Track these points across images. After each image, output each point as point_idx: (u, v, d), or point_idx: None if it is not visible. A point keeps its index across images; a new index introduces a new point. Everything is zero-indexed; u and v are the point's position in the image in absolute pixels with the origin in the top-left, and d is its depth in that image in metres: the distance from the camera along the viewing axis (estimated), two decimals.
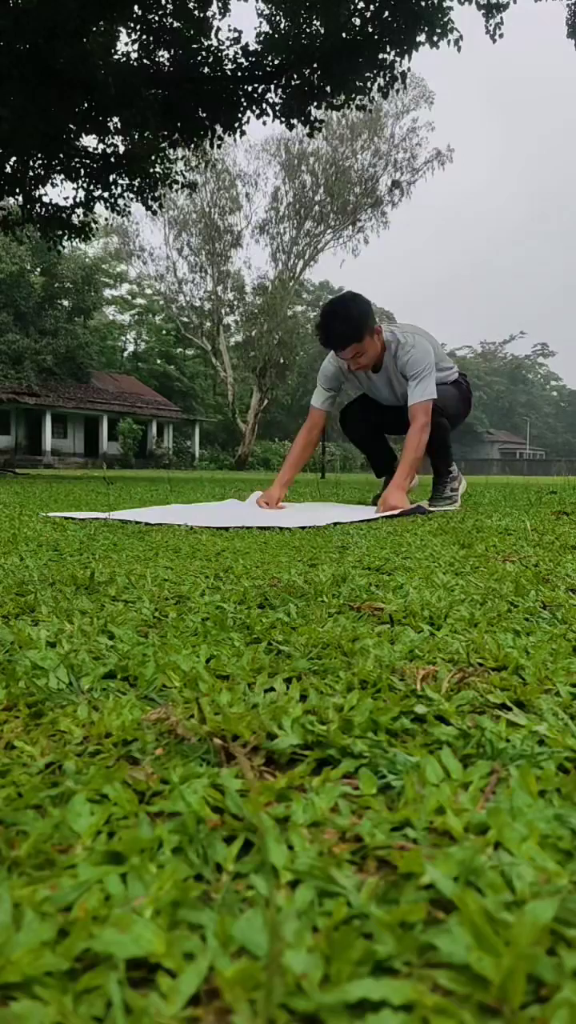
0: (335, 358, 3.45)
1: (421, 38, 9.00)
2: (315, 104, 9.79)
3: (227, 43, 9.55)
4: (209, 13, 9.34)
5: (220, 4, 9.46)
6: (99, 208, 12.03)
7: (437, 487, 3.66)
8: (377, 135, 27.79)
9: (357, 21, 8.95)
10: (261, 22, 9.52)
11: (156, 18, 9.28)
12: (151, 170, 10.50)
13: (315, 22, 9.16)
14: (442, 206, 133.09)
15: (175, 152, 10.99)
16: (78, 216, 10.87)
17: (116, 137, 10.29)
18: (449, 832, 0.41)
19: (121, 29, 9.19)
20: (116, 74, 8.48)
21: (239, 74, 9.62)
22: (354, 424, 3.80)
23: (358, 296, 3.32)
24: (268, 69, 9.57)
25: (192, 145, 10.30)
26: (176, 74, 9.49)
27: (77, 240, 11.10)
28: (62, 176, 10.61)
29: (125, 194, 10.80)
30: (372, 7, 8.85)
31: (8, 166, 9.95)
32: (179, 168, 11.75)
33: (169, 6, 9.17)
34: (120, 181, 10.68)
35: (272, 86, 9.67)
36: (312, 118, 9.94)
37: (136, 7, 8.95)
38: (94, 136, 10.21)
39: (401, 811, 0.43)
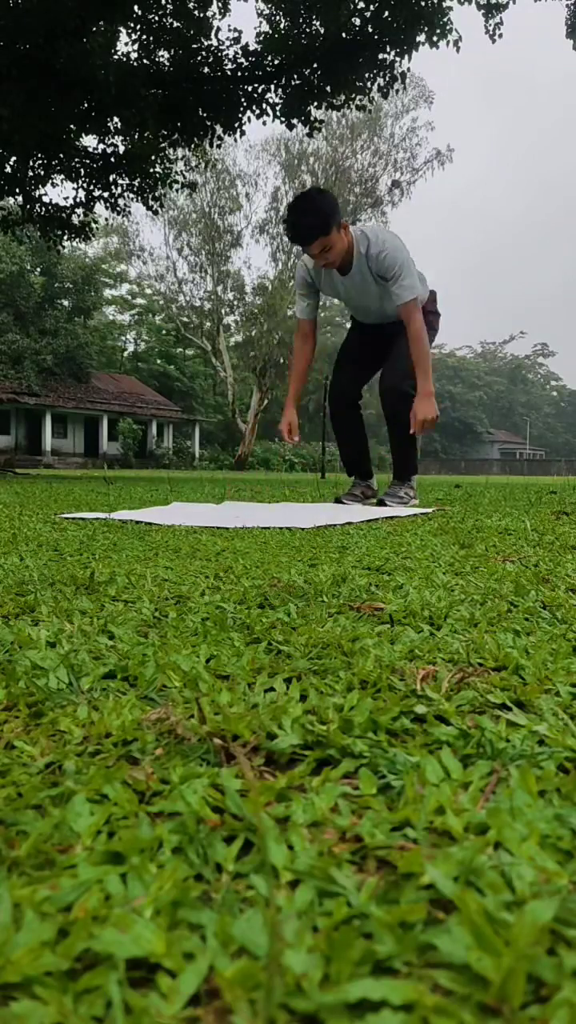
0: (303, 261, 3.43)
1: (421, 38, 9.00)
2: (315, 104, 9.79)
3: (227, 43, 9.55)
4: (209, 13, 9.34)
5: (220, 4, 9.46)
6: (99, 208, 12.04)
7: (395, 484, 3.60)
8: (377, 135, 27.79)
9: (357, 21, 8.95)
10: (261, 22, 9.52)
11: (156, 18, 9.28)
12: (151, 170, 10.50)
13: (315, 22, 9.15)
14: (442, 205, 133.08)
15: (175, 152, 10.99)
16: (78, 216, 10.87)
17: (116, 137, 10.29)
18: (449, 832, 0.41)
19: (121, 29, 9.19)
20: (116, 74, 8.47)
21: (239, 74, 9.61)
22: (338, 410, 3.76)
23: (324, 191, 3.30)
24: (268, 69, 9.57)
25: (192, 145, 10.30)
26: (176, 74, 9.49)
27: (77, 240, 11.10)
28: (62, 176, 10.61)
29: (125, 194, 10.79)
30: (372, 7, 8.85)
31: (8, 166, 9.95)
32: (179, 168, 11.75)
33: (169, 6, 9.17)
34: (120, 181, 10.68)
35: (272, 86, 9.66)
36: (312, 118, 9.94)
37: (136, 7, 8.95)
38: (94, 136, 10.21)
39: (401, 811, 0.43)
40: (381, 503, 3.39)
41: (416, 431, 3.29)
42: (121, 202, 10.85)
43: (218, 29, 9.50)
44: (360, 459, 3.86)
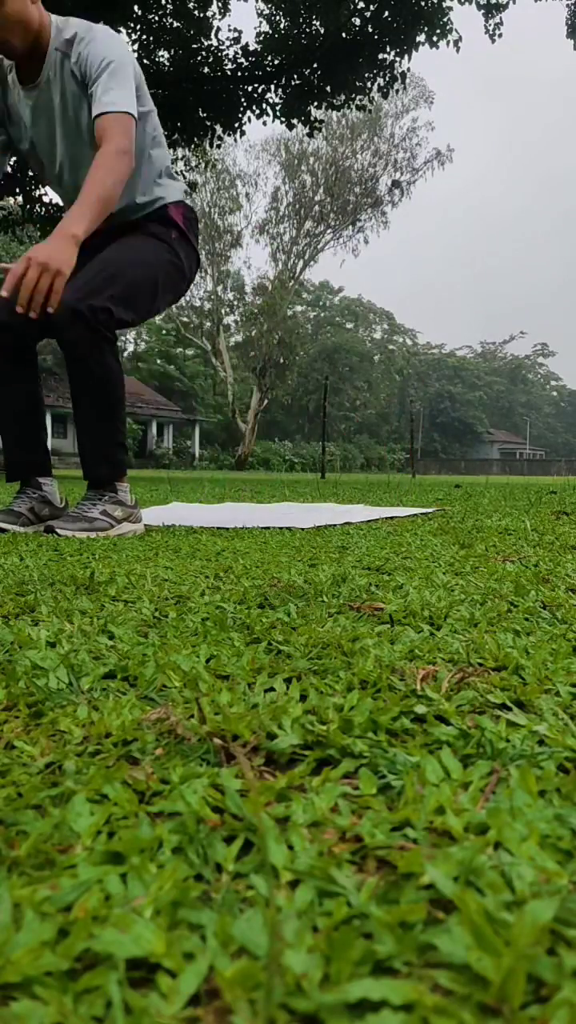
0: None
1: (421, 38, 9.03)
2: (315, 104, 9.81)
3: (227, 43, 9.57)
4: (209, 13, 9.36)
5: (220, 4, 9.48)
6: None
7: (89, 498, 2.16)
8: (377, 135, 27.82)
9: (357, 21, 8.97)
10: (261, 22, 9.54)
11: (156, 18, 9.29)
12: None
13: (315, 22, 9.17)
14: (442, 205, 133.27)
15: (175, 152, 10.99)
16: None
17: None
18: (449, 832, 0.41)
19: (121, 29, 9.19)
20: None
21: (239, 74, 9.63)
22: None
23: None
24: (268, 69, 9.59)
25: (192, 145, 10.31)
26: (176, 74, 9.51)
27: None
28: None
29: None
30: (372, 7, 8.86)
31: (8, 166, 9.95)
32: (179, 168, 11.76)
33: (169, 6, 9.19)
34: None
35: (272, 86, 9.68)
36: (312, 118, 9.96)
37: (136, 7, 8.96)
38: None
39: (401, 811, 0.43)
40: (50, 530, 2.02)
41: (6, 290, 1.81)
42: None
43: (218, 29, 9.53)
44: (30, 446, 2.33)
